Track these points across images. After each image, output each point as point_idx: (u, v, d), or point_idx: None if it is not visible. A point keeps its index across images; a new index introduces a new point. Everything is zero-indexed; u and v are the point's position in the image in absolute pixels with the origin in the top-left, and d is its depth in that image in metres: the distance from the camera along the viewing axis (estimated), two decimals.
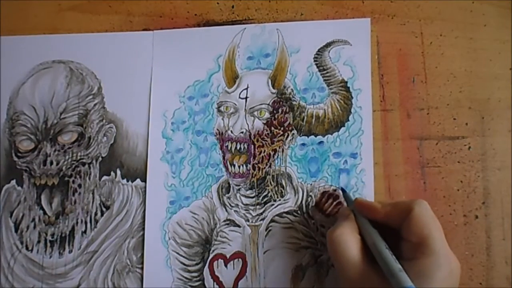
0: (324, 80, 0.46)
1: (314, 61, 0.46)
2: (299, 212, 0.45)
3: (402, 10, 0.47)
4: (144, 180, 0.47)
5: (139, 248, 0.46)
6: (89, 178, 0.48)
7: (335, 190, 0.44)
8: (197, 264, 0.45)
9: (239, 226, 0.45)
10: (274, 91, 0.47)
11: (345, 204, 0.43)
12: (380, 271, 0.35)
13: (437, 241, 0.34)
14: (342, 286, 0.37)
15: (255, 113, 0.46)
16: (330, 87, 0.46)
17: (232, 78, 0.47)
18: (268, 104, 0.46)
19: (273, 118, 0.46)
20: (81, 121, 0.49)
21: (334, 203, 0.44)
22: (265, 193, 0.45)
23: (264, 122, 0.46)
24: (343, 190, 0.43)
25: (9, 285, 0.47)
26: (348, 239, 0.37)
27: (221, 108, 0.47)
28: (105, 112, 0.49)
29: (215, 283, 0.45)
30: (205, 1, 0.49)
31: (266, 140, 0.46)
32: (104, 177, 0.48)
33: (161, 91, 0.48)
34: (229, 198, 0.46)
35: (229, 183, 0.46)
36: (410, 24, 0.47)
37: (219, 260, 0.45)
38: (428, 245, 0.34)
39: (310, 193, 0.45)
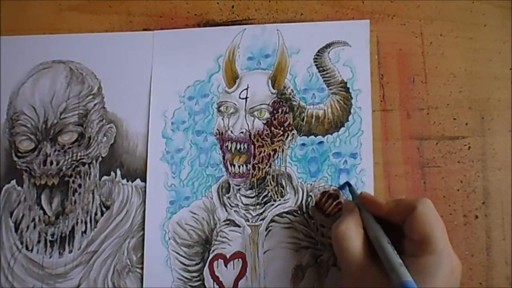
0: (324, 80, 0.46)
1: (314, 62, 0.46)
2: (299, 212, 0.45)
3: (402, 10, 0.47)
4: (144, 180, 0.47)
5: (139, 248, 0.46)
6: (89, 178, 0.48)
7: (336, 190, 0.44)
8: (197, 264, 0.45)
9: (239, 226, 0.45)
10: (274, 91, 0.47)
11: (350, 198, 0.43)
12: (382, 266, 0.35)
13: (439, 240, 0.34)
14: (344, 281, 0.37)
15: (255, 113, 0.46)
16: (330, 87, 0.46)
17: (232, 78, 0.47)
18: (268, 104, 0.46)
19: (273, 118, 0.46)
20: (81, 121, 0.49)
21: (334, 203, 0.44)
22: (265, 193, 0.45)
23: (264, 122, 0.46)
24: (348, 184, 0.44)
25: (9, 285, 0.47)
26: (352, 234, 0.37)
27: (221, 108, 0.47)
28: (105, 112, 0.49)
29: (215, 283, 0.45)
30: (205, 1, 0.49)
31: (266, 140, 0.46)
32: (104, 177, 0.48)
33: (161, 91, 0.48)
34: (229, 198, 0.46)
35: (229, 183, 0.46)
36: (410, 24, 0.47)
37: (219, 260, 0.45)
38: (430, 244, 0.34)
39: (310, 193, 0.45)
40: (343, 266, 0.37)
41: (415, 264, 0.34)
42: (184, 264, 0.45)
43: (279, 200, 0.45)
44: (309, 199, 0.45)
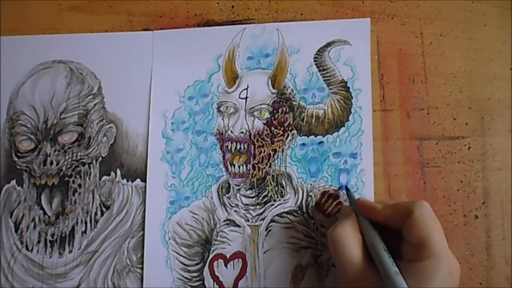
0: (324, 80, 0.46)
1: (314, 61, 0.46)
2: (299, 212, 0.45)
3: (402, 10, 0.47)
4: (144, 180, 0.47)
5: (139, 248, 0.46)
6: (89, 178, 0.48)
7: (336, 190, 0.44)
8: (197, 264, 0.45)
9: (239, 226, 0.45)
10: (274, 91, 0.47)
11: (347, 202, 0.43)
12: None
13: (437, 243, 0.34)
14: (341, 285, 0.37)
15: (255, 113, 0.46)
16: (330, 87, 0.46)
17: (232, 78, 0.47)
18: (268, 104, 0.46)
19: (273, 118, 0.46)
20: (81, 121, 0.49)
21: (334, 203, 0.44)
22: (265, 193, 0.45)
23: (264, 122, 0.46)
24: (347, 188, 0.43)
25: (9, 285, 0.47)
26: (349, 238, 0.37)
27: (221, 108, 0.47)
28: (105, 112, 0.49)
29: (215, 283, 0.45)
30: (205, 1, 0.49)
31: (266, 140, 0.46)
32: (104, 177, 0.48)
33: (161, 91, 0.48)
34: (229, 198, 0.46)
35: (229, 183, 0.46)
36: (410, 24, 0.47)
37: (219, 260, 0.45)
38: (428, 247, 0.34)
39: (310, 193, 0.45)
40: (339, 269, 0.37)
41: (414, 268, 0.34)
42: (184, 264, 0.45)
43: (279, 200, 0.45)
44: (309, 199, 0.45)
